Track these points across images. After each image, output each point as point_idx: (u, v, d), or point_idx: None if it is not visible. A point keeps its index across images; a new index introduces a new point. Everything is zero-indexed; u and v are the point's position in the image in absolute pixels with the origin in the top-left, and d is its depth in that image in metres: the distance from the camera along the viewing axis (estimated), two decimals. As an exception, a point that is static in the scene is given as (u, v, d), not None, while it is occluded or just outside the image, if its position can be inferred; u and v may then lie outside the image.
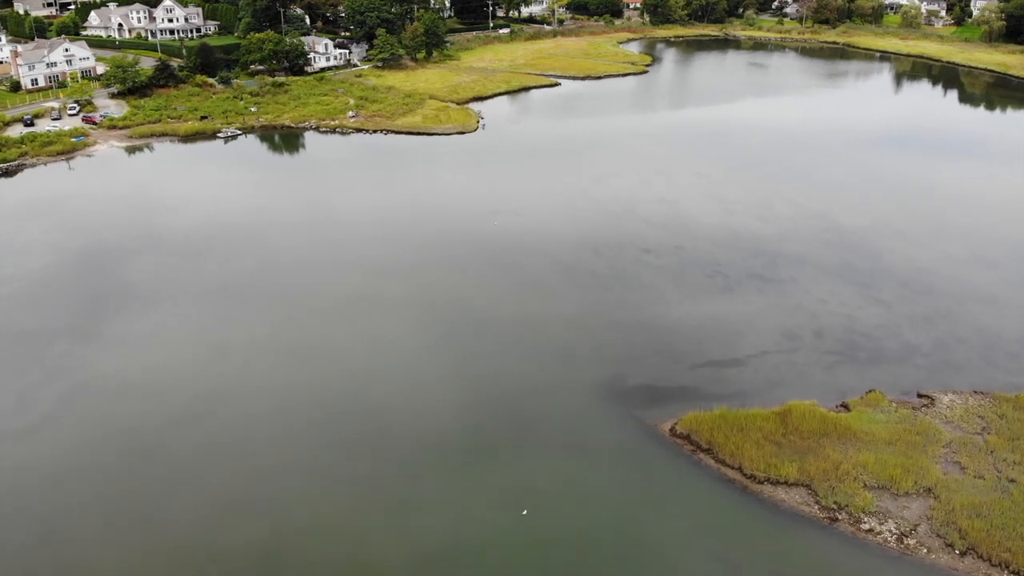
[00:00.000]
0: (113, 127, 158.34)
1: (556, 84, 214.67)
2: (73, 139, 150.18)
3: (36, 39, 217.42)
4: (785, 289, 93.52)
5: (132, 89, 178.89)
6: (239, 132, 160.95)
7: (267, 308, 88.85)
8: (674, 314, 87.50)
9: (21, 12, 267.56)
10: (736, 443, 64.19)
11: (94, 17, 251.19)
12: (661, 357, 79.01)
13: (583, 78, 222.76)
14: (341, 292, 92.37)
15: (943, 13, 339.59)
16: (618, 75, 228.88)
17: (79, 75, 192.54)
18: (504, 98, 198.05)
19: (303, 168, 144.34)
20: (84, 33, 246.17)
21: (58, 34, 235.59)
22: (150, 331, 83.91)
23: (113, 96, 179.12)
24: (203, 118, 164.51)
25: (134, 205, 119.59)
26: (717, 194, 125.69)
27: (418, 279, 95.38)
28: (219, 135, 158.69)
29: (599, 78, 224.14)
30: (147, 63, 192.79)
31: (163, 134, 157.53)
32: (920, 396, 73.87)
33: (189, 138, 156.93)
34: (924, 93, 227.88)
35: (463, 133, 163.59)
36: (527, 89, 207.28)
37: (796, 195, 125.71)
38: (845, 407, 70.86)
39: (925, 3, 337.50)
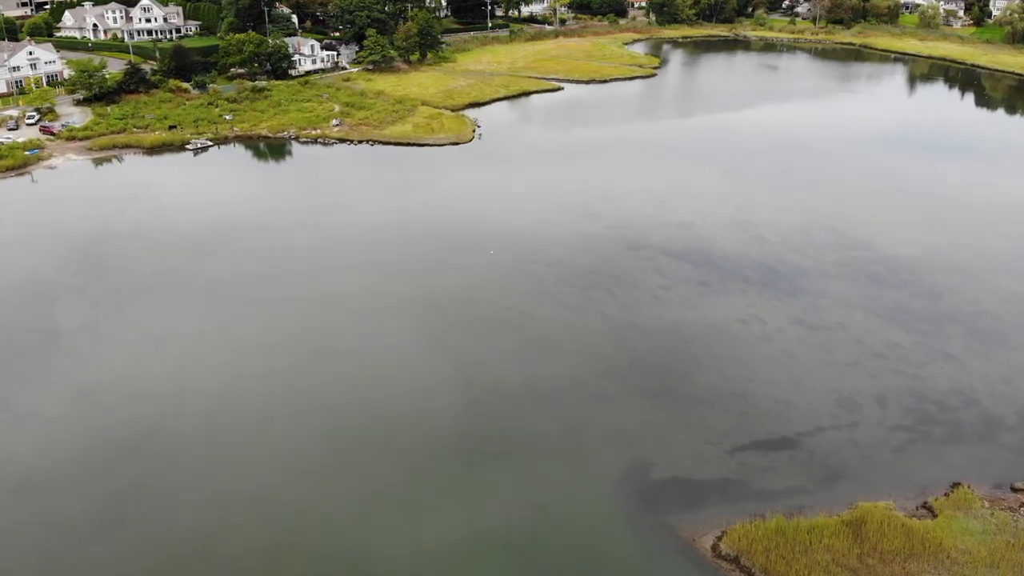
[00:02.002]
0: (72, 138, 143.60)
1: (558, 88, 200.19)
2: (27, 152, 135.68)
3: (5, 41, 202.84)
4: (834, 340, 78.97)
5: (99, 95, 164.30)
6: (210, 143, 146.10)
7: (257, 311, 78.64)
8: (705, 376, 72.87)
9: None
10: (800, 571, 49.64)
11: (68, 17, 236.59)
12: (694, 436, 64.39)
13: (587, 82, 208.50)
14: (310, 332, 78.34)
15: (961, 13, 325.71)
16: (624, 78, 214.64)
17: (43, 80, 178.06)
18: (503, 104, 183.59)
19: (278, 184, 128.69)
20: (58, 34, 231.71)
21: (29, 35, 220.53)
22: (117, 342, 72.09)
23: (78, 103, 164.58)
24: (172, 127, 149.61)
25: (84, 230, 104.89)
26: (741, 216, 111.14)
27: (380, 357, 76.89)
28: (188, 146, 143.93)
29: (604, 82, 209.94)
30: (119, 66, 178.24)
31: (127, 145, 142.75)
32: (1015, 490, 59.63)
33: (155, 150, 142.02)
34: (953, 98, 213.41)
35: (457, 144, 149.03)
36: (527, 94, 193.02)
37: (831, 217, 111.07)
38: (929, 510, 56.47)
39: (943, 3, 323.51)
